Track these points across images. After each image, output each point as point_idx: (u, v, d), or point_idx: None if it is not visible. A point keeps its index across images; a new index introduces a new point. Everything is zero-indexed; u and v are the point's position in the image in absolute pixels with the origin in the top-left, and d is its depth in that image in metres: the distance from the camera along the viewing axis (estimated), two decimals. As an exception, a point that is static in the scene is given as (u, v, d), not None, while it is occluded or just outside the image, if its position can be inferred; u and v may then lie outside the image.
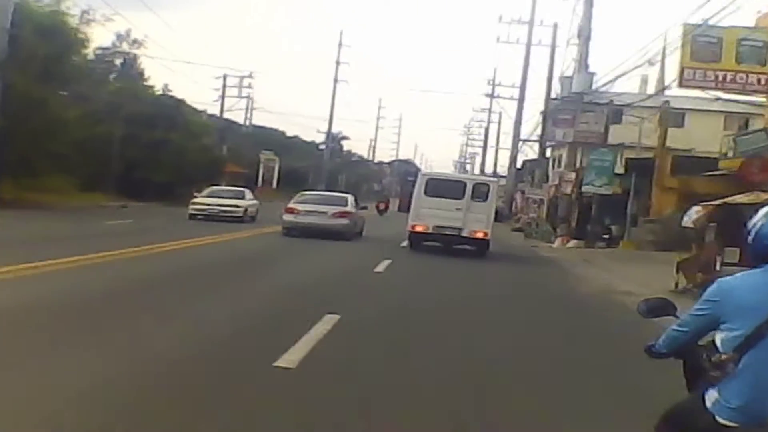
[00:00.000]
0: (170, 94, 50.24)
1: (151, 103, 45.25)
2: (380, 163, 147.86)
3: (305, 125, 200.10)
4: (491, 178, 32.28)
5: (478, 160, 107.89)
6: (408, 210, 68.92)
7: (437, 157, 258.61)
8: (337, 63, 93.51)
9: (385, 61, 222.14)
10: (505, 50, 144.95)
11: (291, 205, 25.97)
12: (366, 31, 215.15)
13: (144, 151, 45.03)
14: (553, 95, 44.86)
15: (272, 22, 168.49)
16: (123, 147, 43.38)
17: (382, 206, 61.83)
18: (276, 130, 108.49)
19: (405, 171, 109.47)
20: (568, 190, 32.96)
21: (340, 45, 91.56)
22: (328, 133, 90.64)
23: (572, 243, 32.26)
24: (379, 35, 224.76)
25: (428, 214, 23.12)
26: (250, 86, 66.24)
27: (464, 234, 22.90)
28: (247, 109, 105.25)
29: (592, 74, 33.42)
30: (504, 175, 68.30)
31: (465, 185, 23.43)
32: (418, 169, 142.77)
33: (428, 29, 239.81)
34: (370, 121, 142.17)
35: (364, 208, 33.01)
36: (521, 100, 63.62)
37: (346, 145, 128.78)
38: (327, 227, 24.75)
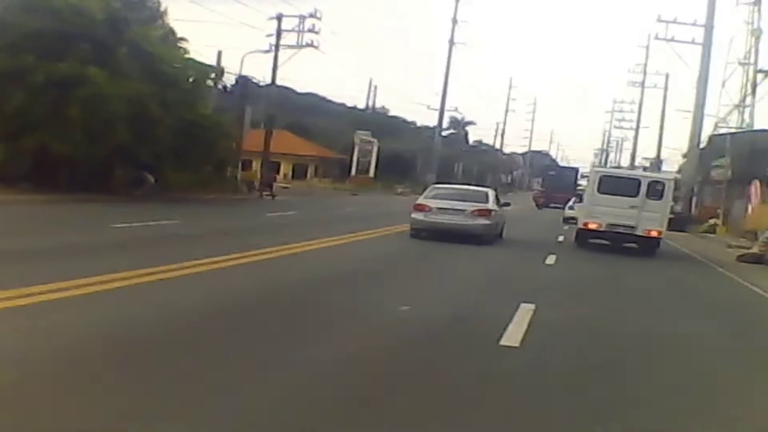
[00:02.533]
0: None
1: (66, 16, 21.36)
2: (512, 153, 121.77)
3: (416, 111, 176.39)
4: (667, 176, 30.43)
5: (627, 147, 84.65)
6: (543, 206, 60.71)
7: (575, 145, 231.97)
8: (454, 21, 72.89)
9: (513, 34, 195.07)
10: None
11: (421, 201, 22.55)
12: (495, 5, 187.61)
13: (44, 99, 25.86)
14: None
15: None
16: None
17: (541, 201, 63.16)
18: (371, 108, 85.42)
19: (545, 165, 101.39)
20: None
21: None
22: (441, 109, 71.72)
23: None
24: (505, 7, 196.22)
25: (602, 212, 22.75)
26: (314, 30, 40.28)
27: (638, 232, 22.52)
28: (369, 90, 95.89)
29: None
30: (664, 170, 59.74)
31: (640, 183, 23.02)
32: (555, 162, 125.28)
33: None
34: (498, 104, 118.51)
35: (507, 204, 26.82)
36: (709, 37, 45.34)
37: (472, 133, 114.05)
38: (465, 228, 21.08)
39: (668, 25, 47.89)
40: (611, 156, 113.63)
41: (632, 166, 76.03)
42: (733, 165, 41.95)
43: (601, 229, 23.15)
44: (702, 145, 48.30)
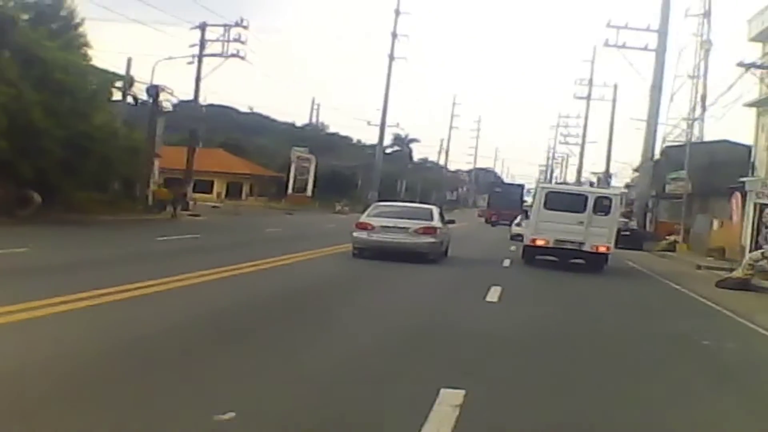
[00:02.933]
0: None
1: None
2: (457, 171, 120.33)
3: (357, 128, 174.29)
4: (614, 191, 31.39)
5: (573, 162, 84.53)
6: (496, 223, 62.30)
7: (521, 161, 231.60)
8: (394, 35, 70.50)
9: (457, 50, 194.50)
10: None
11: (364, 219, 21.85)
12: (437, 20, 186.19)
13: None
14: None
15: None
16: None
17: (494, 218, 63.43)
18: (312, 124, 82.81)
19: (490, 182, 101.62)
20: None
21: (397, 13, 69.78)
22: (382, 124, 68.53)
23: None
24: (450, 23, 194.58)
25: (549, 228, 22.68)
26: (240, 39, 36.34)
27: (585, 248, 22.50)
28: (312, 107, 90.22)
29: None
30: (614, 185, 59.11)
31: (587, 198, 23.04)
32: (500, 179, 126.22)
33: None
34: (443, 121, 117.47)
35: (451, 222, 26.56)
36: (663, 42, 43.15)
37: (417, 151, 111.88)
38: (409, 246, 20.69)
39: (619, 31, 44.19)
40: (557, 172, 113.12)
41: (578, 182, 74.07)
42: (692, 178, 39.20)
43: (548, 246, 23.03)
44: (655, 158, 45.68)
